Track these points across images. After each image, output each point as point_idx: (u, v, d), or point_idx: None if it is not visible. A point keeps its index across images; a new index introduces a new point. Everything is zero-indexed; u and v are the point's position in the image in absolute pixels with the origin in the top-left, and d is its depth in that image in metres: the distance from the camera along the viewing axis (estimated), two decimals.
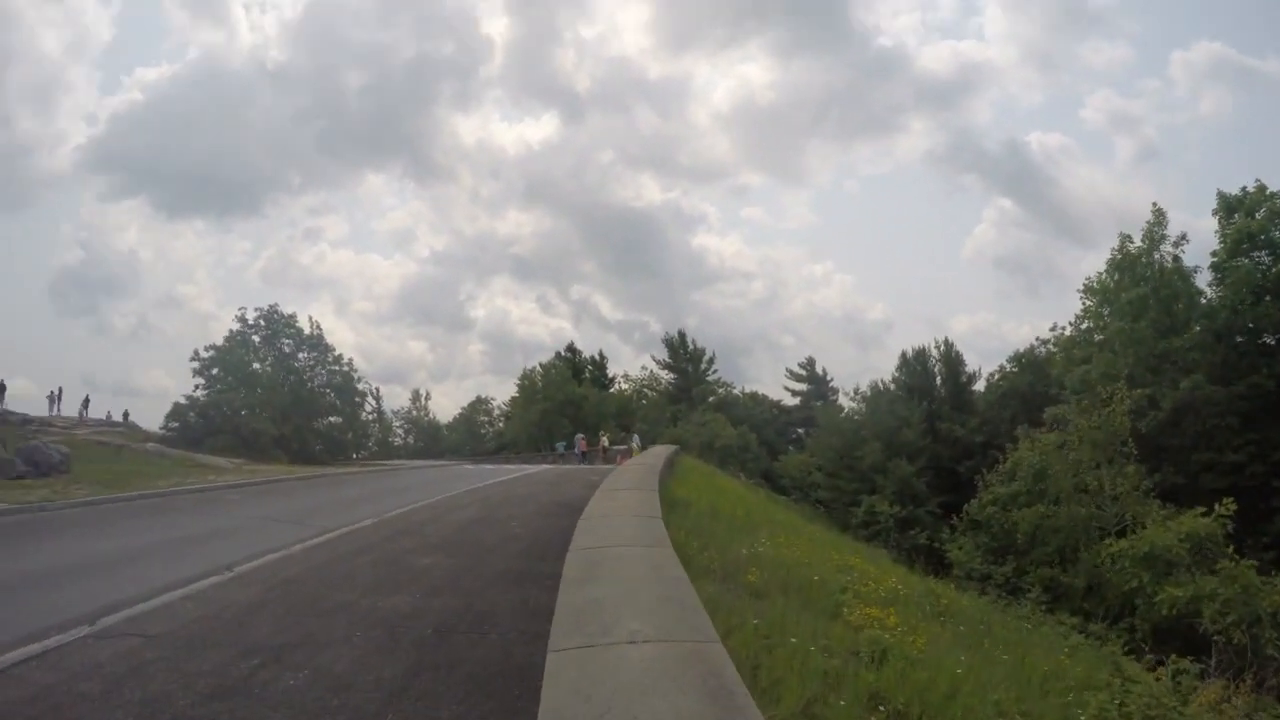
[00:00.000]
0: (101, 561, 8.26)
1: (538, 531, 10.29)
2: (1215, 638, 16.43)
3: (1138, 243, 34.38)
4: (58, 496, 12.91)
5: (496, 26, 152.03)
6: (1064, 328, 41.04)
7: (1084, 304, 37.68)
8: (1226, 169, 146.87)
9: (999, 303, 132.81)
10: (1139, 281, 33.04)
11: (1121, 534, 22.48)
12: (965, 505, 29.09)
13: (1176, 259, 33.58)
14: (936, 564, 30.10)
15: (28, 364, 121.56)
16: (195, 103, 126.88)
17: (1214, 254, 32.97)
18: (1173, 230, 34.02)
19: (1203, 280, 33.77)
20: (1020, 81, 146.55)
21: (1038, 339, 47.69)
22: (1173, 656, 12.78)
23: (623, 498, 8.52)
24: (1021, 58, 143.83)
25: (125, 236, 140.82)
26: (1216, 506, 19.76)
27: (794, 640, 4.94)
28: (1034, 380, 43.97)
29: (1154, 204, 34.62)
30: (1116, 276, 34.66)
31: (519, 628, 5.63)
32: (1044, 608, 20.02)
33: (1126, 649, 16.32)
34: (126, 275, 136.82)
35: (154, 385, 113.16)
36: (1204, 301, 33.46)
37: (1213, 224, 33.41)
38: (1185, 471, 29.59)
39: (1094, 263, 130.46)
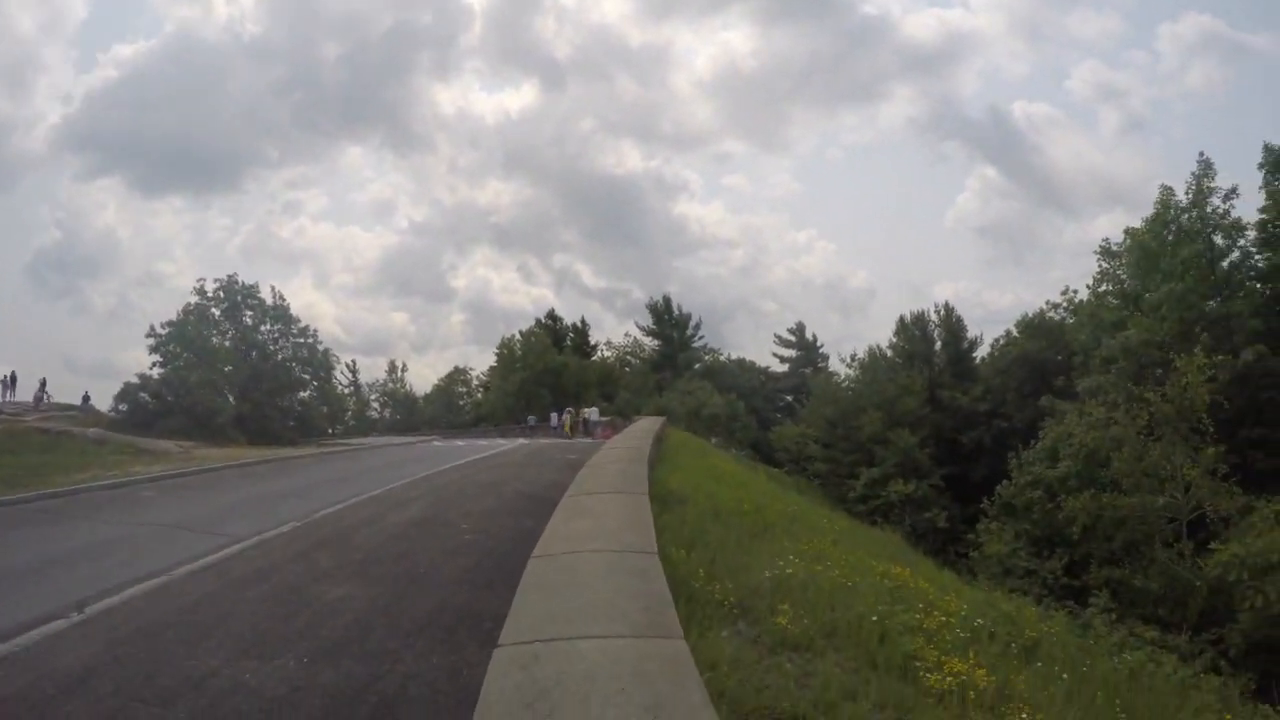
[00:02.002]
0: None
1: (493, 541, 8.44)
2: None
3: (1180, 196, 31.22)
4: None
5: None
6: (1075, 291, 38.92)
7: (1100, 266, 35.41)
8: (1213, 142, 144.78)
9: (981, 271, 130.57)
10: (1186, 238, 30.07)
11: (1196, 528, 19.88)
12: (997, 488, 26.17)
13: (1226, 214, 30.42)
14: (950, 546, 28.07)
15: (6, 350, 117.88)
16: (171, 78, 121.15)
17: (1262, 211, 29.69)
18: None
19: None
20: (1006, 51, 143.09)
21: (1048, 303, 45.32)
22: None
23: (600, 508, 6.40)
24: (1009, 27, 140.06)
25: (103, 216, 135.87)
26: None
27: None
28: (1046, 346, 41.82)
29: (1200, 153, 32.03)
30: (1155, 234, 31.37)
31: None
32: (1112, 615, 17.23)
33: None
34: (105, 254, 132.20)
35: (136, 364, 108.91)
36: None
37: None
38: (1234, 450, 25.56)
39: (1077, 232, 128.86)
